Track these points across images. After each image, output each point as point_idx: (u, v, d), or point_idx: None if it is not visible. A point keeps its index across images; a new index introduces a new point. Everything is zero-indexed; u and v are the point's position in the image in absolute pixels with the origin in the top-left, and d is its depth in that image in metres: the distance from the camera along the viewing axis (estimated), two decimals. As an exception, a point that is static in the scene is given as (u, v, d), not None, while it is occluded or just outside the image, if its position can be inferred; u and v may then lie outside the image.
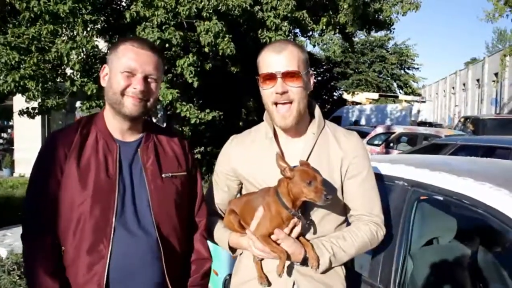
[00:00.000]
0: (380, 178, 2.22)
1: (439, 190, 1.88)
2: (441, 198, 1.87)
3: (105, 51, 7.47)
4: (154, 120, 11.97)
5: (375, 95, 25.95)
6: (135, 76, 1.43)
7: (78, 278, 1.37)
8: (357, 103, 24.46)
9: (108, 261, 1.36)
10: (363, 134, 12.85)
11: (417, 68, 32.18)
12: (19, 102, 9.46)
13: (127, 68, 1.42)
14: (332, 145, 1.63)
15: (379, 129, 12.00)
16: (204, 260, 1.64)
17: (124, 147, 1.48)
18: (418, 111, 22.63)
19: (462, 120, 16.26)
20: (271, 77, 1.53)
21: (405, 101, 23.61)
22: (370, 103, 24.55)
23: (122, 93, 1.43)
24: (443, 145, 5.35)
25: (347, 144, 1.64)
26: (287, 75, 1.52)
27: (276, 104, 1.55)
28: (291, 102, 1.54)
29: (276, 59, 1.54)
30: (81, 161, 1.41)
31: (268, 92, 1.56)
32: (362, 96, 25.24)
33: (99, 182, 1.39)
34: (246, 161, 1.65)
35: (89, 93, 7.07)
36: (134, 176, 1.46)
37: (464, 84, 41.66)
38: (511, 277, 1.76)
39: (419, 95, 31.15)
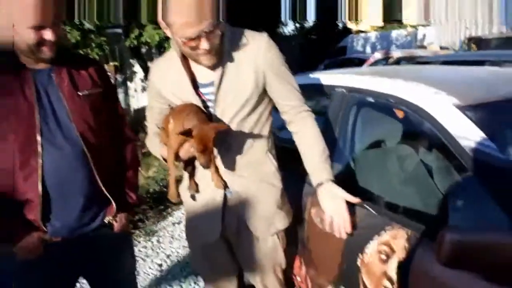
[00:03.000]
0: (322, 87, 2.29)
1: (371, 92, 1.94)
2: (373, 101, 1.94)
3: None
4: (150, 64, 11.88)
5: (379, 22, 25.16)
6: (45, 30, 1.45)
7: (18, 189, 1.52)
8: (362, 32, 23.82)
9: (41, 172, 1.51)
10: (360, 61, 12.59)
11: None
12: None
13: (35, 24, 1.42)
14: (243, 59, 1.59)
15: (377, 55, 11.72)
16: (130, 165, 1.84)
17: (38, 74, 1.56)
18: (424, 36, 21.95)
19: (466, 41, 15.74)
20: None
21: (410, 26, 22.89)
22: (375, 30, 23.91)
23: (37, 44, 1.46)
24: (426, 63, 5.31)
25: (258, 51, 1.59)
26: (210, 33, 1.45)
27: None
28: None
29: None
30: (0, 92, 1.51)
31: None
32: (366, 24, 24.52)
33: (18, 105, 1.50)
34: (167, 87, 1.69)
35: (73, 41, 6.97)
36: (51, 97, 1.56)
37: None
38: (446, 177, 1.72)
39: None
